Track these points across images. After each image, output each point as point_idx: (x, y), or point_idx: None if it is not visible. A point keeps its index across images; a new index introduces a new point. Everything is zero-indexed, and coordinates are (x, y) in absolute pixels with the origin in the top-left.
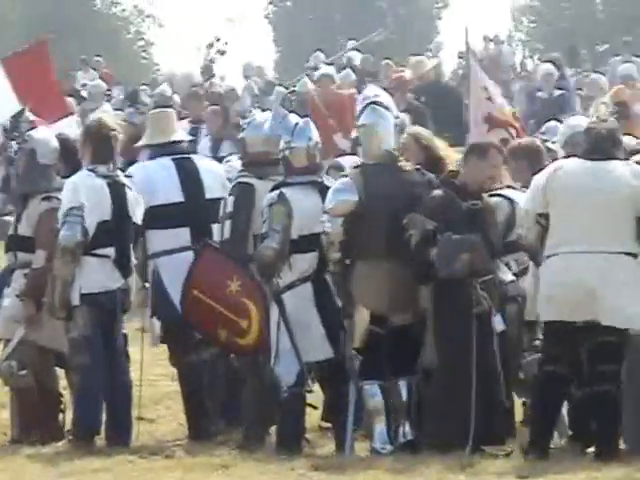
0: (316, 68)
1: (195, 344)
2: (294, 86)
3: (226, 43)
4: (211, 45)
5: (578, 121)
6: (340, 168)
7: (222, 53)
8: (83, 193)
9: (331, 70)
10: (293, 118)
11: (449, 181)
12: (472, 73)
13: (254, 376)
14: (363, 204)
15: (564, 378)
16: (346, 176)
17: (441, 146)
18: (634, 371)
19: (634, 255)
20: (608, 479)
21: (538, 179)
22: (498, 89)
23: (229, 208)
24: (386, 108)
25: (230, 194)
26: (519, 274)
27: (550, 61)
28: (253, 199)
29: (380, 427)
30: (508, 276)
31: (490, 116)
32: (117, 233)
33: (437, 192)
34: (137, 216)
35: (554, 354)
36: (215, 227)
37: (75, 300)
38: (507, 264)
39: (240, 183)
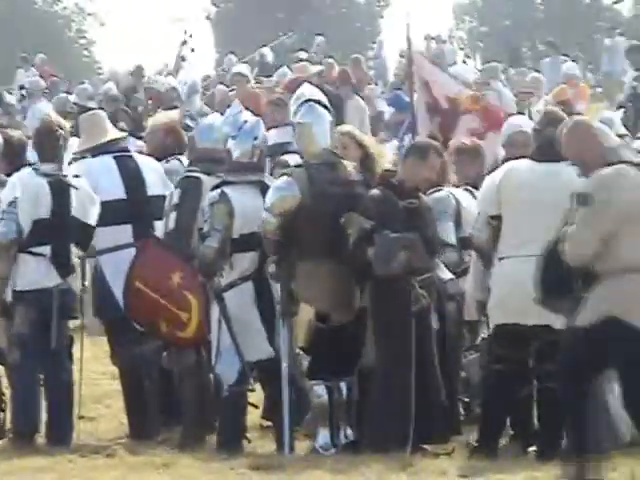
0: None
1: (137, 340)
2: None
3: (191, 36)
4: (185, 42)
5: (518, 121)
6: (287, 165)
7: (192, 50)
8: (20, 191)
9: (245, 69)
10: (245, 116)
11: (386, 180)
12: (417, 67)
13: (192, 375)
14: (305, 203)
15: (513, 378)
16: (287, 174)
17: (374, 144)
18: None
19: None
20: (549, 478)
21: (490, 181)
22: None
23: (175, 200)
24: (324, 106)
25: (176, 187)
26: (460, 274)
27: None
28: (200, 192)
29: (324, 428)
30: (447, 274)
31: (437, 105)
32: (55, 232)
33: (375, 191)
34: (89, 216)
35: (503, 355)
36: (158, 224)
37: (9, 297)
38: (462, 259)
39: (188, 177)
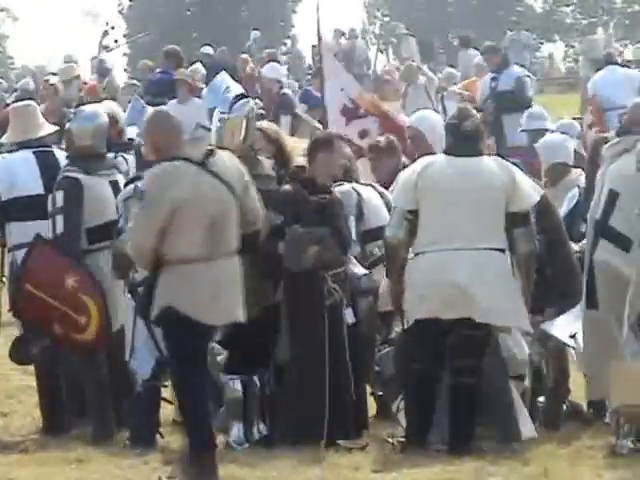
0: None
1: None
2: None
3: (112, 27)
4: (106, 33)
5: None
6: None
7: (116, 41)
8: None
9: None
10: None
11: (297, 175)
12: (325, 66)
13: (91, 374)
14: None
15: (434, 374)
16: None
17: (288, 140)
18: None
19: (503, 251)
20: (461, 472)
21: (407, 176)
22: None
23: (59, 203)
24: (247, 101)
25: (57, 188)
26: (371, 265)
27: None
28: (82, 194)
29: (238, 423)
30: (361, 270)
31: (346, 108)
32: None
33: (286, 186)
34: None
35: (423, 351)
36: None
37: None
38: (371, 252)
39: (66, 177)
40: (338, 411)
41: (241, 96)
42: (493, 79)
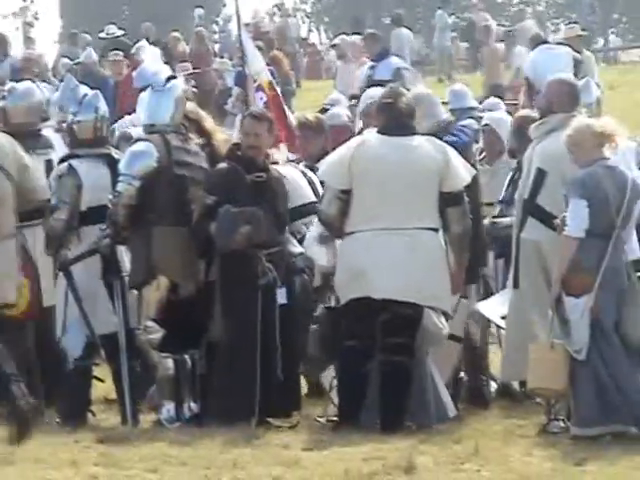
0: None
1: None
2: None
3: (32, 1)
4: (26, 8)
5: (376, 92)
6: (129, 138)
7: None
8: None
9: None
10: (83, 89)
11: (234, 154)
12: (245, 45)
13: (18, 350)
14: (164, 167)
15: (366, 352)
16: (143, 140)
17: (209, 119)
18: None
19: (436, 230)
20: (393, 451)
21: (340, 155)
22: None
23: None
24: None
25: None
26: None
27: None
28: None
29: (169, 401)
30: (297, 248)
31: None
32: None
33: (222, 165)
34: None
35: (355, 329)
36: None
37: None
38: (297, 231)
39: None
40: (269, 390)
41: (170, 77)
42: (371, 67)
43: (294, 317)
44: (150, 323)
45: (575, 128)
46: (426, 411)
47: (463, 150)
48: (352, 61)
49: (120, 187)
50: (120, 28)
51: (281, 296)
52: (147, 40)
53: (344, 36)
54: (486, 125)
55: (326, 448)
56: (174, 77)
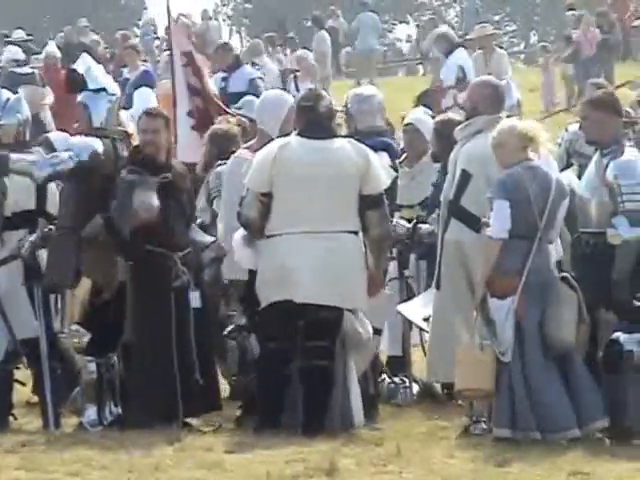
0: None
1: None
2: None
3: None
4: None
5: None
6: (50, 145)
7: None
8: None
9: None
10: (5, 94)
11: (136, 157)
12: (176, 42)
13: None
14: (106, 170)
15: (287, 355)
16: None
17: (130, 124)
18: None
19: (356, 233)
20: (314, 453)
21: (261, 158)
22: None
23: None
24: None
25: None
26: None
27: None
28: None
29: (92, 405)
30: (207, 238)
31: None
32: None
33: (122, 173)
34: None
35: (276, 332)
36: None
37: None
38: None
39: None
40: (191, 392)
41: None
42: (223, 79)
43: (207, 318)
44: (75, 327)
45: (500, 129)
46: (341, 416)
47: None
48: None
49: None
50: (28, 34)
51: (194, 299)
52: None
53: None
54: (409, 125)
55: (248, 451)
56: None
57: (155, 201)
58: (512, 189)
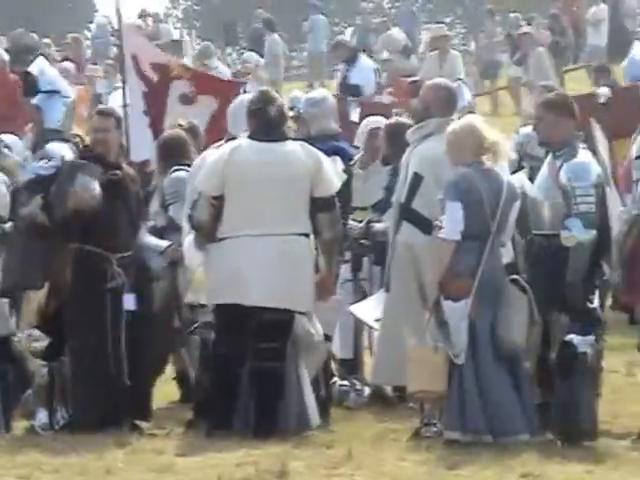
0: None
1: None
2: None
3: None
4: None
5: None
6: (7, 146)
7: None
8: None
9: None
10: None
11: (87, 154)
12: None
13: None
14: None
15: (238, 357)
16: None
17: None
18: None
19: (307, 235)
20: (265, 456)
21: (213, 161)
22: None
23: None
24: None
25: None
26: None
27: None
28: None
29: (43, 408)
30: (162, 242)
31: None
32: None
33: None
34: None
35: (227, 335)
36: None
37: None
38: None
39: None
40: (138, 395)
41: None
42: (346, 70)
43: (148, 324)
44: (29, 331)
45: (460, 126)
46: (297, 417)
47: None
48: None
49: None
50: None
51: (128, 302)
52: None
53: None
54: (377, 128)
55: (199, 453)
56: None
57: (97, 187)
58: (464, 190)
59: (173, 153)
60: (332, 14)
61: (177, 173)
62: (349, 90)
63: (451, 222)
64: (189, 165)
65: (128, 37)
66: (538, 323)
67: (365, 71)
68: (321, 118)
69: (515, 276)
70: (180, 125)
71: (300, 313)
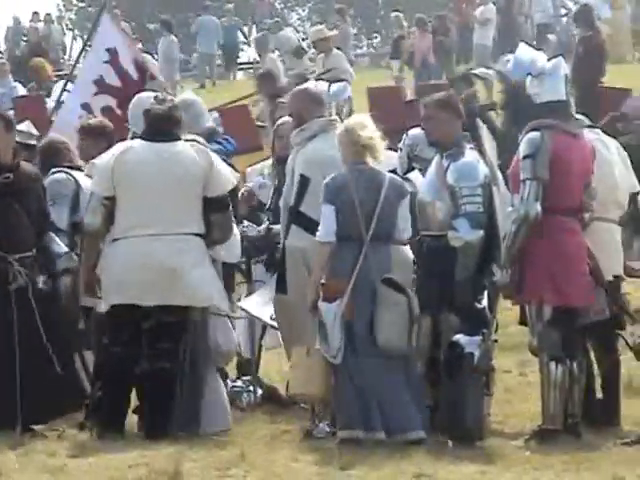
0: None
1: None
2: None
3: None
4: None
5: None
6: None
7: None
8: None
9: None
10: None
11: None
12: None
13: None
14: None
15: (131, 358)
16: None
17: None
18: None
19: (202, 236)
20: (157, 457)
21: (103, 162)
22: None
23: None
24: None
25: None
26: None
27: None
28: None
29: None
30: (62, 248)
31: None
32: None
33: None
34: None
35: (120, 336)
36: None
37: None
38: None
39: None
40: (35, 397)
41: None
42: None
43: (61, 317)
44: None
45: (342, 127)
46: (194, 418)
47: (227, 157)
48: None
49: None
50: None
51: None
52: None
53: None
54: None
55: (92, 455)
56: None
57: None
58: (334, 192)
59: (50, 157)
60: (228, 14)
61: (55, 175)
62: None
63: (325, 224)
64: (70, 167)
65: (105, 32)
66: (419, 323)
67: None
68: (200, 117)
69: (389, 276)
70: (89, 123)
71: (217, 314)
